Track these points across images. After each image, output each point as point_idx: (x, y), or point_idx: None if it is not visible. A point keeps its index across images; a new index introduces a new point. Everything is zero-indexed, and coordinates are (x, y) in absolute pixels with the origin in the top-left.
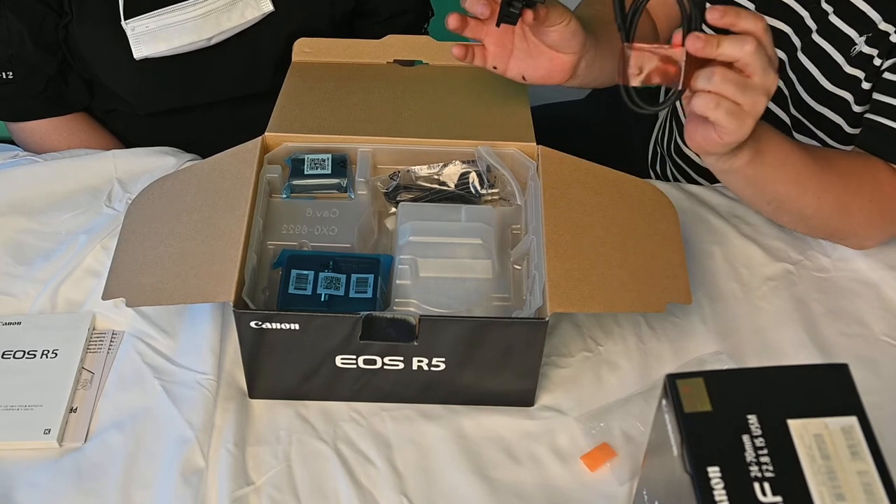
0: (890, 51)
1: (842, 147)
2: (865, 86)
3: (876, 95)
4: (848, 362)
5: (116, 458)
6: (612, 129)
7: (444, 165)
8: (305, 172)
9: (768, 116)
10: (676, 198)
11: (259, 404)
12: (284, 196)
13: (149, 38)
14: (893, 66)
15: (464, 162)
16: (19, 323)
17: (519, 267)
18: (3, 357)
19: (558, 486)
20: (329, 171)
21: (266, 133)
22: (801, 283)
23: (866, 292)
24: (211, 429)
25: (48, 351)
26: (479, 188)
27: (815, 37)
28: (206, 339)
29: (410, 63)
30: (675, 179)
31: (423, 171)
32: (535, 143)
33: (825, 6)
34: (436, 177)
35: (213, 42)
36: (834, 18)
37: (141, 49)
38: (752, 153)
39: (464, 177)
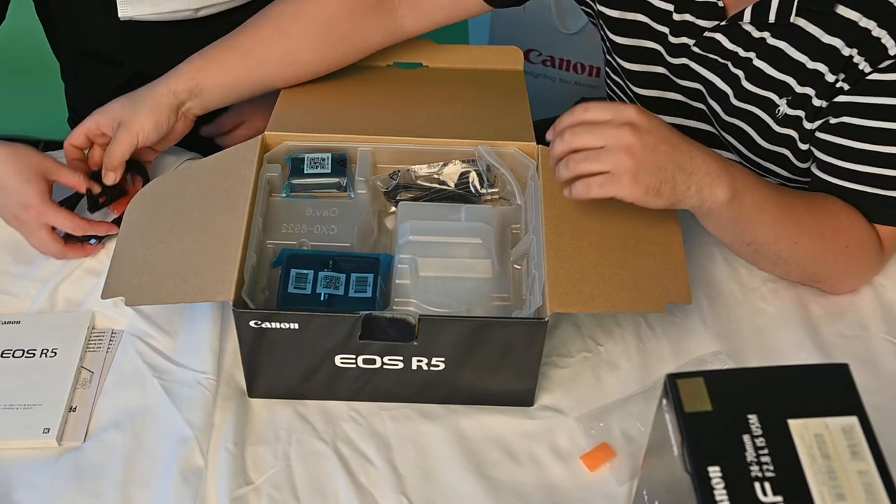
0: (815, 113)
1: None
2: (802, 146)
3: (817, 154)
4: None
5: (116, 458)
6: None
7: (444, 165)
8: (305, 171)
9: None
10: None
11: (258, 404)
12: (284, 195)
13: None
14: (823, 125)
15: (464, 161)
16: (19, 322)
17: (519, 267)
18: (2, 356)
19: (558, 486)
20: (329, 171)
21: (266, 132)
22: (801, 285)
23: (865, 293)
24: (210, 428)
25: (47, 350)
26: (479, 188)
27: (735, 101)
28: (205, 339)
29: (410, 66)
30: None
31: (422, 170)
32: (535, 143)
33: (735, 70)
34: (436, 176)
35: (199, 14)
36: (747, 84)
37: (126, 9)
38: (729, 196)
39: (464, 176)
